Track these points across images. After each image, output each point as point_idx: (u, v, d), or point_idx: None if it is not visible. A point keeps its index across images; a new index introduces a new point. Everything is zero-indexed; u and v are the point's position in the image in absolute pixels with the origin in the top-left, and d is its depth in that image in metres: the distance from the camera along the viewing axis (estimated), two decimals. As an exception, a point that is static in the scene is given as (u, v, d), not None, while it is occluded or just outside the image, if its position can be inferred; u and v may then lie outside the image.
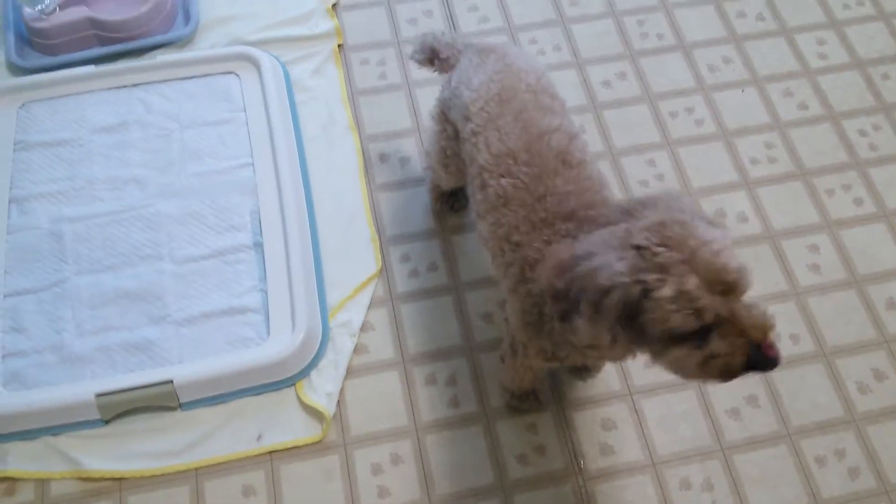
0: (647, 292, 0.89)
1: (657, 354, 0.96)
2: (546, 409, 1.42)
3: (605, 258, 0.93)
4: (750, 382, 1.46)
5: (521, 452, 1.39)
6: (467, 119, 1.22)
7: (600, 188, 1.13)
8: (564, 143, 1.14)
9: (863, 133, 1.76)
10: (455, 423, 1.41)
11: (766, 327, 0.92)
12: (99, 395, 1.37)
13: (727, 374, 0.93)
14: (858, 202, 1.67)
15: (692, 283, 0.87)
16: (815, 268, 1.58)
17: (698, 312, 0.88)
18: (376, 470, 1.37)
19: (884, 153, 1.73)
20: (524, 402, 1.40)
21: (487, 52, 1.29)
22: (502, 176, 1.14)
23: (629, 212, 1.01)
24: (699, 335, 0.90)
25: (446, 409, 1.43)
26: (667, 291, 0.88)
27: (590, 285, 0.92)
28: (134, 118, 1.69)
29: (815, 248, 1.61)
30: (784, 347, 1.49)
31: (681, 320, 0.88)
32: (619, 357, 1.00)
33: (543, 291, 1.01)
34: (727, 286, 0.89)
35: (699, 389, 1.45)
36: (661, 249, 0.90)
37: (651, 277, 0.89)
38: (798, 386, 1.46)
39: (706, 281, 0.88)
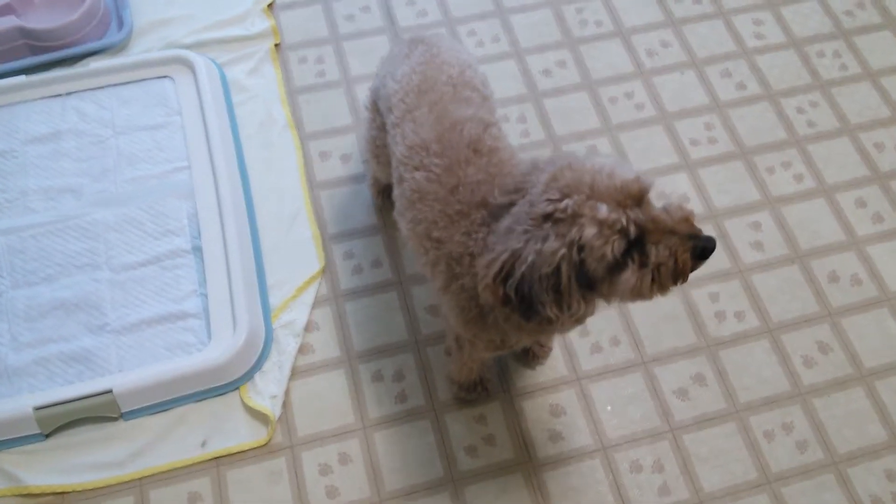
0: (581, 247, 0.92)
1: (611, 292, 0.97)
2: (494, 398, 1.41)
3: (533, 246, 0.93)
4: (696, 361, 1.46)
5: (470, 444, 1.38)
6: (390, 110, 1.21)
7: (512, 172, 1.11)
8: (477, 132, 1.13)
9: (800, 110, 1.77)
10: (403, 418, 1.40)
11: (688, 217, 0.96)
12: (37, 409, 1.34)
13: (681, 273, 0.96)
14: (798, 178, 1.68)
15: (603, 210, 0.91)
16: (758, 245, 1.59)
17: (623, 232, 0.91)
18: (324, 470, 1.35)
19: (822, 129, 1.75)
20: (472, 392, 1.39)
21: (416, 44, 1.28)
22: (416, 169, 1.13)
23: (522, 181, 1.01)
24: (636, 255, 0.94)
25: (393, 405, 1.41)
26: (589, 231, 0.91)
27: (537, 278, 0.93)
28: (68, 127, 1.66)
29: (757, 226, 1.61)
30: (729, 325, 1.50)
31: (614, 247, 0.91)
32: (582, 319, 1.02)
33: (493, 305, 1.01)
34: (635, 197, 0.93)
35: (646, 371, 1.45)
36: (566, 201, 0.91)
37: (575, 232, 0.91)
38: (744, 363, 1.46)
39: (615, 202, 0.91)
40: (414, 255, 1.18)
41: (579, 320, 1.00)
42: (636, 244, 0.94)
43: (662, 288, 0.97)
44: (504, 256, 0.95)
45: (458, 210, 1.07)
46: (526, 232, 0.94)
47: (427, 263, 1.13)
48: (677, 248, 0.94)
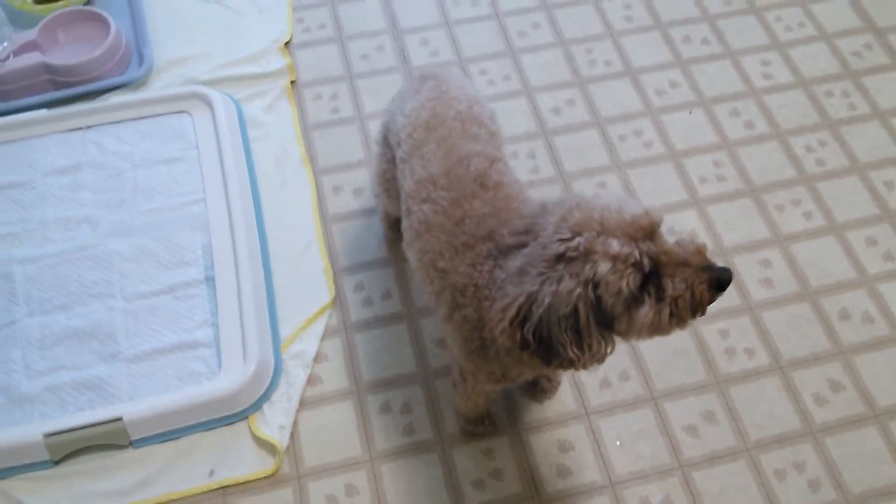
0: (596, 284, 0.92)
1: (630, 329, 0.97)
2: (502, 432, 1.41)
3: (549, 288, 0.93)
4: (706, 398, 1.45)
5: (477, 478, 1.37)
6: (399, 145, 1.24)
7: (520, 207, 1.12)
8: (483, 167, 1.15)
9: (809, 149, 1.79)
10: (410, 451, 1.40)
11: (700, 249, 0.97)
12: (47, 435, 1.35)
13: (699, 305, 0.96)
14: (808, 216, 1.69)
15: (615, 245, 0.91)
16: (768, 282, 1.59)
17: (637, 265, 0.92)
18: (331, 501, 1.35)
19: (830, 168, 1.76)
20: (479, 426, 1.39)
21: (426, 79, 1.31)
22: (423, 202, 1.14)
23: (532, 223, 1.02)
24: (652, 289, 0.94)
25: (401, 438, 1.41)
26: (603, 267, 0.91)
27: (556, 320, 0.93)
28: (87, 160, 1.70)
29: (766, 263, 1.62)
30: (739, 362, 1.49)
31: (629, 281, 0.91)
32: (603, 359, 1.03)
33: (510, 348, 1.02)
34: (646, 231, 0.93)
35: (656, 407, 1.44)
36: (577, 239, 0.92)
37: (589, 269, 0.92)
38: (755, 400, 1.45)
39: (627, 236, 0.92)
40: (421, 286, 1.19)
41: (600, 360, 0.99)
42: (651, 278, 0.94)
43: (681, 321, 0.97)
44: (520, 300, 0.95)
45: (463, 242, 1.08)
46: (541, 274, 0.94)
47: (432, 293, 1.14)
48: (693, 279, 0.94)
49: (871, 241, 1.65)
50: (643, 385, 1.46)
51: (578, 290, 0.92)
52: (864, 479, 1.37)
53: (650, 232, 0.94)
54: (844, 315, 1.55)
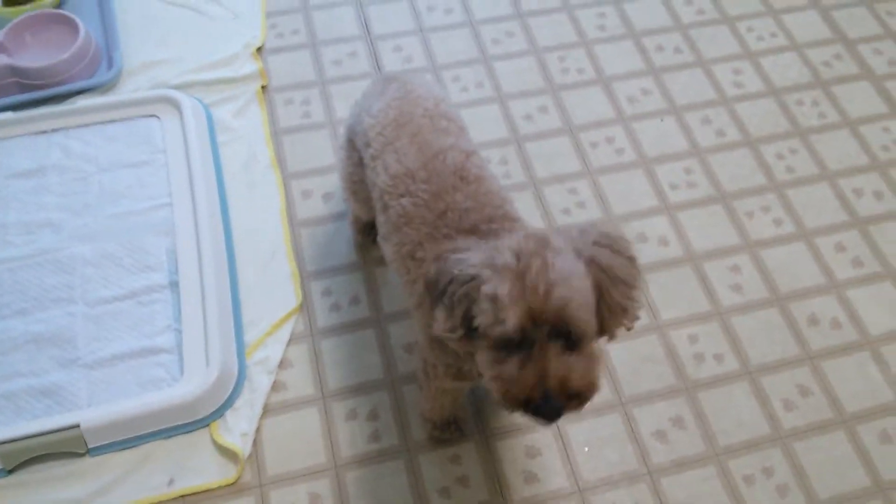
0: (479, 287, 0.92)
1: (475, 352, 0.96)
2: (469, 438, 1.39)
3: (470, 254, 0.95)
4: (675, 403, 1.44)
5: (443, 485, 1.34)
6: (367, 145, 1.23)
7: (502, 203, 1.13)
8: (461, 160, 1.15)
9: (780, 157, 1.79)
10: (376, 458, 1.37)
11: (564, 380, 0.90)
12: (0, 444, 1.31)
13: (506, 398, 0.93)
14: (778, 222, 1.69)
15: (504, 290, 0.88)
16: (738, 288, 1.59)
17: (500, 320, 0.89)
18: (293, 510, 1.32)
19: (801, 175, 1.76)
20: (445, 431, 1.36)
21: (390, 81, 1.31)
22: (402, 196, 1.14)
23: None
24: (511, 350, 0.91)
25: (367, 445, 1.38)
26: (487, 289, 0.90)
27: (451, 277, 0.94)
28: (52, 163, 1.67)
29: (736, 269, 1.61)
30: (708, 367, 1.48)
31: (488, 320, 0.90)
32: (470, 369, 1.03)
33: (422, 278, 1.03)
34: (549, 316, 0.88)
35: (624, 413, 1.43)
36: (507, 254, 0.91)
37: (486, 273, 0.91)
38: (723, 405, 1.44)
39: (531, 304, 0.88)
40: (396, 276, 1.19)
41: (459, 374, 1.03)
42: (514, 344, 0.91)
43: (493, 391, 0.95)
44: (455, 245, 0.98)
45: (444, 234, 1.08)
46: (479, 250, 0.96)
47: (407, 282, 1.14)
48: (524, 383, 0.91)
49: (840, 248, 1.65)
50: (612, 391, 1.45)
51: (472, 272, 0.92)
52: (832, 484, 1.36)
53: (550, 321, 0.89)
54: (813, 320, 1.55)
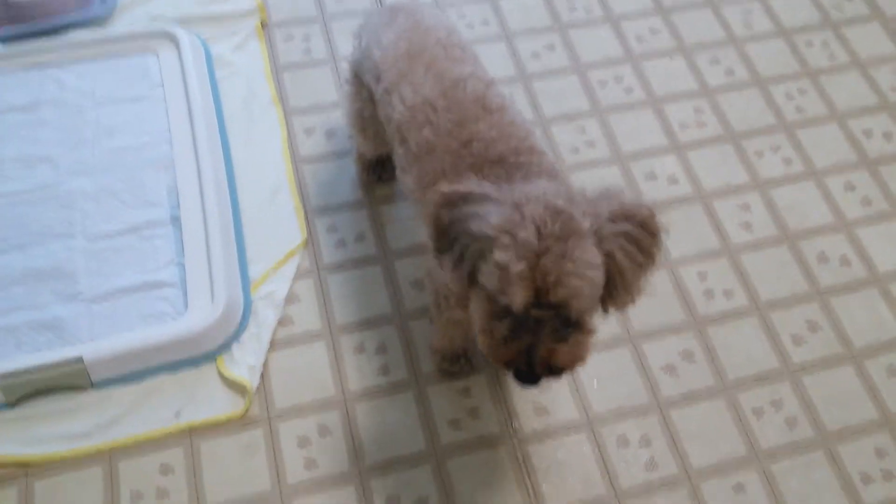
0: (490, 254, 0.88)
1: (471, 295, 0.94)
2: (478, 371, 1.38)
3: (489, 208, 0.90)
4: (685, 338, 1.43)
5: (453, 417, 1.34)
6: (378, 79, 1.20)
7: (527, 135, 1.10)
8: (481, 90, 1.12)
9: (789, 97, 1.77)
10: (385, 391, 1.36)
11: (551, 357, 0.90)
12: (1, 377, 1.29)
13: (490, 353, 0.93)
14: (787, 162, 1.67)
15: (517, 268, 0.85)
16: (747, 226, 1.57)
17: (505, 292, 0.86)
18: (303, 442, 1.30)
19: (810, 115, 1.74)
20: (455, 364, 1.35)
21: (396, 12, 1.27)
22: (422, 126, 1.11)
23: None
24: (508, 310, 0.89)
25: (376, 378, 1.37)
26: (500, 257, 0.86)
27: (464, 229, 0.91)
28: (47, 97, 1.63)
29: (746, 207, 1.60)
30: (718, 303, 1.48)
31: (492, 286, 0.88)
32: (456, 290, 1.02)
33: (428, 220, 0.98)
34: (554, 301, 0.86)
35: (634, 347, 1.42)
36: (531, 227, 0.86)
37: (503, 240, 0.87)
38: (733, 340, 1.43)
39: (539, 286, 0.85)
40: (416, 209, 1.16)
41: (455, 291, 0.98)
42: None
43: (480, 340, 0.94)
44: (471, 189, 0.93)
45: (469, 164, 1.05)
46: (501, 202, 0.91)
47: (428, 213, 1.10)
48: (512, 348, 0.90)
49: (850, 187, 1.64)
50: (621, 325, 1.44)
51: (490, 234, 0.88)
52: (839, 416, 1.36)
53: (555, 305, 0.87)
54: (822, 258, 1.54)
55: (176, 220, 1.48)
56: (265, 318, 1.41)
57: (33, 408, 1.32)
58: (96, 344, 1.33)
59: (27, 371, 1.29)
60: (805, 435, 1.34)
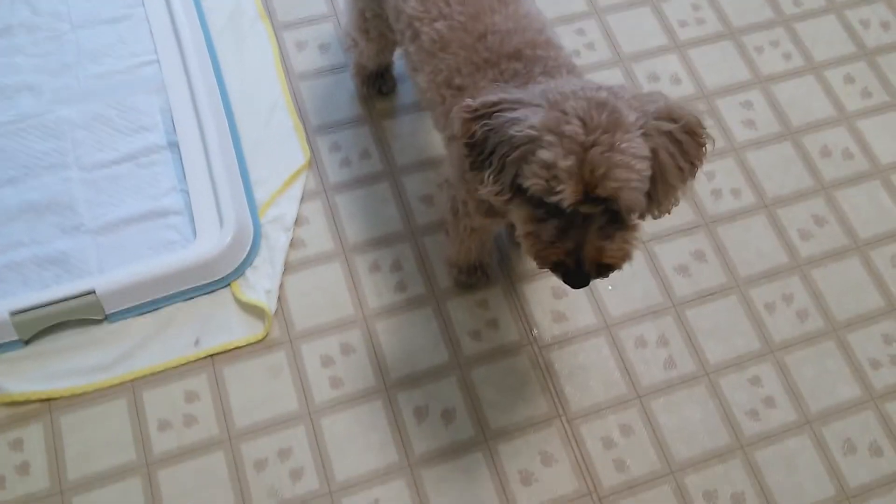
0: (533, 154, 0.86)
1: (512, 204, 0.93)
2: (494, 283, 1.38)
3: (525, 112, 0.88)
4: (695, 238, 1.45)
5: (473, 329, 1.35)
6: None
7: (543, 27, 1.07)
8: None
9: (787, -10, 1.74)
10: (404, 307, 1.36)
11: (600, 253, 0.90)
12: (14, 314, 1.26)
13: (538, 257, 0.92)
14: (787, 57, 1.66)
15: (566, 163, 0.83)
16: (751, 123, 1.57)
17: (553, 190, 0.85)
18: (327, 362, 1.31)
19: (808, 8, 1.72)
20: (472, 276, 1.35)
21: None
22: (435, 20, 1.07)
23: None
24: (552, 212, 0.88)
25: (393, 295, 1.37)
26: (545, 156, 0.84)
27: (502, 138, 0.88)
28: (18, 21, 1.54)
29: (748, 105, 1.59)
30: (726, 202, 1.49)
31: (539, 187, 0.86)
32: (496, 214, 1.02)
33: (457, 136, 0.95)
34: (604, 194, 0.85)
35: (645, 249, 1.43)
36: (575, 121, 0.84)
37: (548, 138, 0.85)
38: (742, 238, 1.45)
39: (588, 181, 0.84)
40: (430, 108, 1.13)
41: (495, 203, 0.97)
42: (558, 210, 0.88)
43: (524, 244, 0.94)
44: (496, 99, 0.90)
45: (485, 59, 1.02)
46: (537, 105, 0.88)
47: (442, 113, 1.08)
48: (560, 248, 0.89)
49: (849, 79, 1.64)
50: (633, 230, 1.44)
51: (535, 134, 0.86)
52: (848, 306, 1.40)
53: (604, 198, 0.86)
54: (825, 152, 1.55)
55: (174, 146, 1.43)
56: (276, 241, 1.39)
57: (49, 344, 1.30)
58: (107, 276, 1.31)
59: (40, 307, 1.27)
60: (816, 326, 1.38)
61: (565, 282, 0.92)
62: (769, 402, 1.32)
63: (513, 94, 0.92)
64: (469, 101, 0.92)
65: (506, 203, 0.92)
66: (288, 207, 1.42)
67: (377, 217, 1.43)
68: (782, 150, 1.55)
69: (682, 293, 1.40)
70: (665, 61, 1.62)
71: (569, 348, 1.34)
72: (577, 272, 0.90)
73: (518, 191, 0.91)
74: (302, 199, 1.44)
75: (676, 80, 1.60)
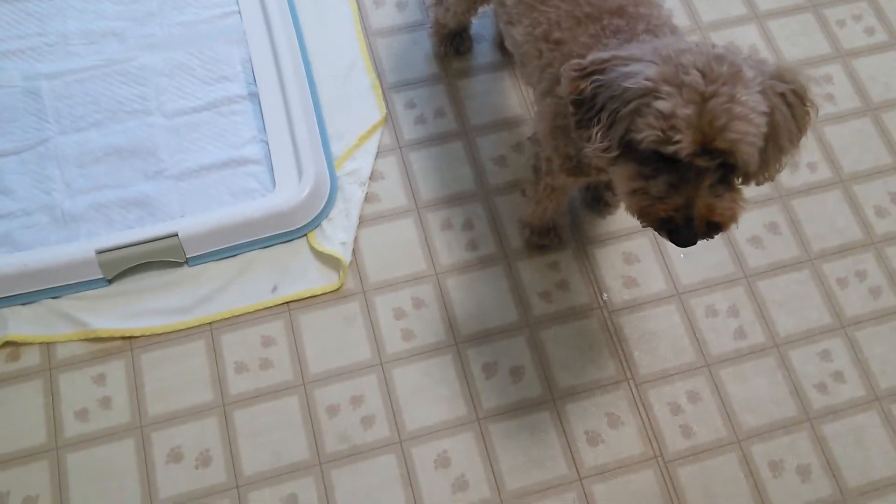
0: (649, 106, 0.86)
1: (618, 161, 0.93)
2: (566, 245, 1.39)
3: (639, 67, 0.88)
4: (769, 210, 1.44)
5: (543, 290, 1.36)
6: None
7: None
8: None
9: (872, -37, 1.70)
10: (475, 265, 1.37)
11: (710, 211, 0.89)
12: (100, 252, 1.30)
13: (645, 214, 0.92)
14: (870, 31, 1.62)
15: (685, 111, 0.83)
16: (830, 97, 1.55)
17: (670, 140, 0.84)
18: (399, 314, 1.33)
19: (894, -18, 1.68)
20: (544, 237, 1.36)
21: None
22: None
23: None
24: (660, 168, 0.88)
25: (465, 253, 1.38)
26: (662, 106, 0.84)
27: (613, 92, 0.88)
28: (104, -32, 1.56)
29: (828, 79, 1.57)
30: (802, 175, 1.47)
31: (654, 137, 0.85)
32: (597, 170, 1.02)
33: (565, 95, 0.95)
34: (722, 147, 0.84)
35: (720, 220, 1.42)
36: (694, 73, 0.84)
37: (665, 88, 0.85)
38: (817, 212, 1.44)
39: (706, 132, 0.83)
40: (526, 62, 1.13)
41: (575, 170, 0.98)
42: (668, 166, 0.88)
43: (628, 204, 0.94)
44: (612, 55, 0.90)
45: (587, 13, 1.02)
46: (650, 61, 0.88)
47: (537, 67, 1.08)
48: (669, 205, 0.89)
49: (934, 57, 1.60)
50: (706, 199, 1.44)
51: (651, 85, 0.86)
52: (923, 285, 1.39)
53: (721, 152, 0.85)
54: (906, 130, 1.53)
55: (254, 96, 1.45)
56: (352, 194, 1.41)
57: (131, 283, 1.34)
58: (189, 220, 1.34)
59: (124, 247, 1.30)
60: (889, 303, 1.37)
61: (671, 240, 0.92)
62: (838, 376, 1.32)
63: (625, 49, 0.92)
64: (578, 60, 0.92)
65: (611, 161, 0.93)
66: (364, 162, 1.44)
67: (450, 175, 1.44)
68: (862, 125, 1.53)
69: (754, 264, 1.39)
70: (744, 31, 1.60)
71: (639, 313, 1.35)
72: (687, 229, 0.89)
73: (626, 148, 0.91)
74: (377, 155, 1.45)
75: (754, 52, 1.57)
